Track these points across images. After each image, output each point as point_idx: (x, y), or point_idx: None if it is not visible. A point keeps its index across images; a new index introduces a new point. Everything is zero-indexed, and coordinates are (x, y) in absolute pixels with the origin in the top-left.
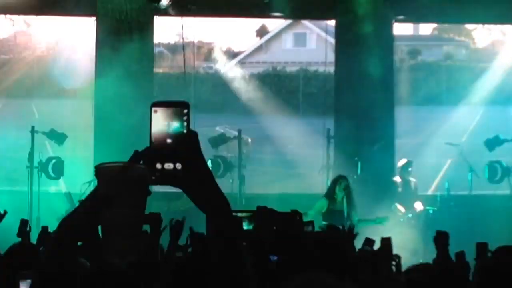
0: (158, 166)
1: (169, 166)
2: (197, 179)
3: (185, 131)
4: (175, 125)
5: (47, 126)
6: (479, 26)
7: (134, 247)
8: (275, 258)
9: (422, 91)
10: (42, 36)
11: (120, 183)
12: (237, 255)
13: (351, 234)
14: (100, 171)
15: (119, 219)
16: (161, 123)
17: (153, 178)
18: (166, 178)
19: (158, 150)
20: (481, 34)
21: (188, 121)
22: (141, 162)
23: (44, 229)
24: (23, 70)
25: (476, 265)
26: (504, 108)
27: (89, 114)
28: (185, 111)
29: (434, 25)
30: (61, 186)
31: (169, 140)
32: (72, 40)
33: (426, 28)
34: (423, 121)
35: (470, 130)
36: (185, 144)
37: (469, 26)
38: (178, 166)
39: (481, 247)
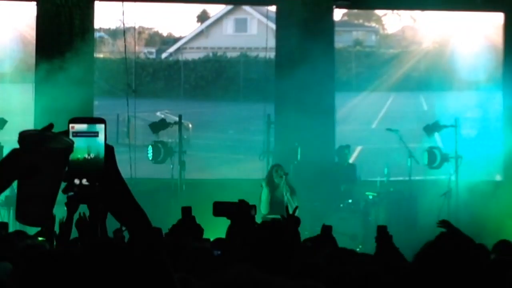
0: (76, 181)
1: (86, 181)
2: (115, 194)
3: (102, 146)
4: (92, 141)
5: None
6: (389, 11)
7: (47, 216)
8: (219, 252)
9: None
10: None
11: (41, 152)
12: (162, 264)
13: (294, 222)
14: (22, 137)
15: (35, 186)
16: (79, 139)
17: (71, 193)
18: (84, 193)
19: (76, 166)
20: (391, 19)
21: (105, 136)
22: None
23: None
24: None
25: (377, 246)
26: (413, 95)
27: (25, 99)
28: (102, 127)
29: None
30: None
31: (86, 156)
32: None
33: (336, 14)
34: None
35: (380, 117)
36: (102, 160)
37: (379, 12)
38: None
39: (381, 229)
